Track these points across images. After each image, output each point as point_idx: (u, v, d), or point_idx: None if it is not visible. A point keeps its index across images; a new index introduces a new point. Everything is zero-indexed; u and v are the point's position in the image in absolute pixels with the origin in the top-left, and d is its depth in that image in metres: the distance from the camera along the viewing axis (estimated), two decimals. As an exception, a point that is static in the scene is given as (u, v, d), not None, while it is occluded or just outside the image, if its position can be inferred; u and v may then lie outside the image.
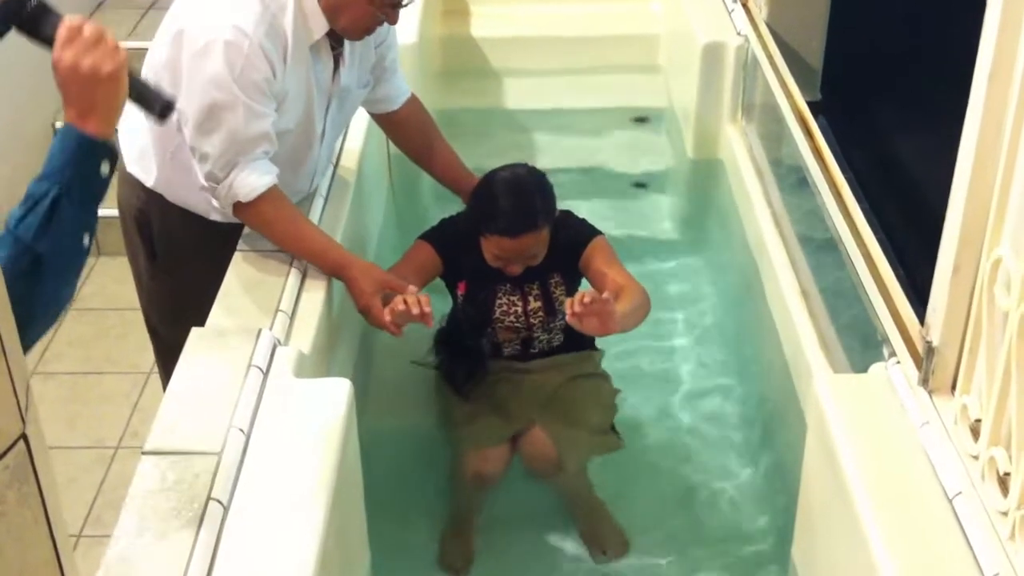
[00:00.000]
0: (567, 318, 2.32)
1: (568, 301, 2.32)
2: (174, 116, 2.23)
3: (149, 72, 2.31)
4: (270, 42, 2.17)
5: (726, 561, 2.63)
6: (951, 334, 1.85)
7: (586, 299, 2.24)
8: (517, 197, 2.45)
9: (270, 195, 2.26)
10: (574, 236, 2.56)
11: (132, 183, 2.47)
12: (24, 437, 0.90)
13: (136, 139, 2.44)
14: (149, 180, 2.43)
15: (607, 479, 2.73)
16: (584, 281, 2.68)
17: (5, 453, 0.87)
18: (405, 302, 2.24)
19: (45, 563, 0.94)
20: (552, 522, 2.72)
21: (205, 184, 2.27)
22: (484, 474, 2.58)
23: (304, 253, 2.39)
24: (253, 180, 2.22)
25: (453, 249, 2.58)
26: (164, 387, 2.33)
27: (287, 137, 2.35)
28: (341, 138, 2.88)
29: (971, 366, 1.80)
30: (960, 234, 1.77)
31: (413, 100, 2.76)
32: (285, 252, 2.41)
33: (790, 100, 2.91)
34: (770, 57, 3.12)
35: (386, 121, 2.78)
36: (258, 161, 2.23)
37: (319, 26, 2.25)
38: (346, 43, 2.37)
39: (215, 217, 2.42)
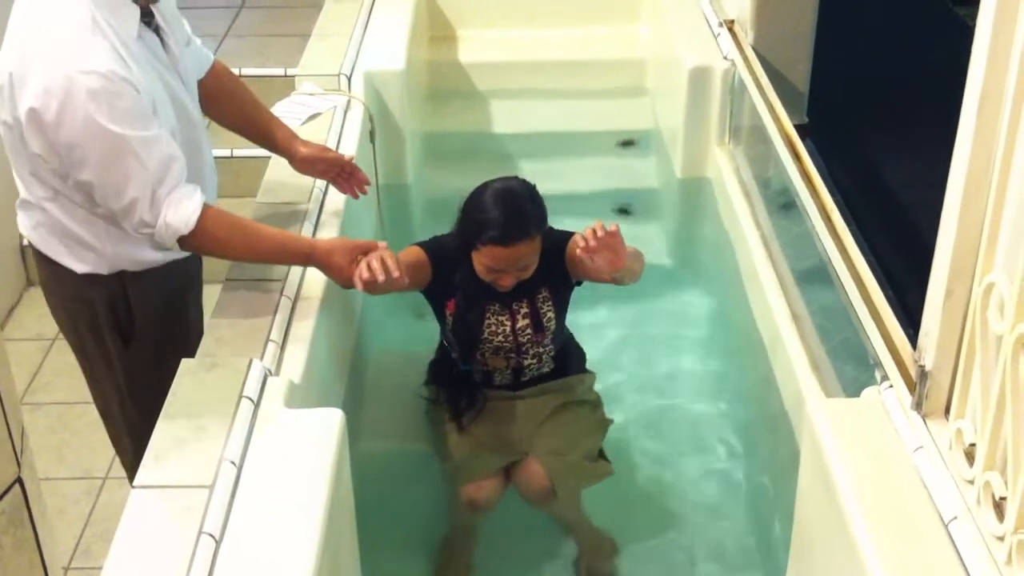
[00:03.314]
0: (579, 252, 2.34)
1: (577, 236, 2.34)
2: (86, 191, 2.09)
3: (44, 159, 2.10)
4: (115, 63, 2.03)
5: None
6: (944, 358, 1.85)
7: (599, 232, 2.27)
8: (509, 206, 2.44)
9: (208, 214, 2.17)
10: (555, 241, 2.56)
11: (92, 283, 2.30)
12: (20, 481, 0.89)
13: (69, 246, 2.26)
14: (103, 266, 2.28)
15: (598, 498, 2.72)
16: (572, 297, 2.68)
17: (1, 497, 0.86)
18: (371, 268, 2.23)
19: (41, 609, 0.93)
20: (546, 544, 2.72)
21: (140, 234, 2.18)
22: (478, 502, 2.57)
23: (266, 256, 2.33)
24: (184, 207, 2.14)
25: (444, 265, 2.57)
26: (131, 479, 2.12)
27: (180, 135, 2.23)
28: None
29: (965, 390, 1.80)
30: (952, 259, 1.77)
31: (219, 67, 2.56)
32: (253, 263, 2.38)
33: (777, 123, 2.92)
34: (756, 80, 3.13)
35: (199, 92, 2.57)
36: (177, 188, 2.13)
37: (132, 15, 2.12)
38: (153, 10, 2.21)
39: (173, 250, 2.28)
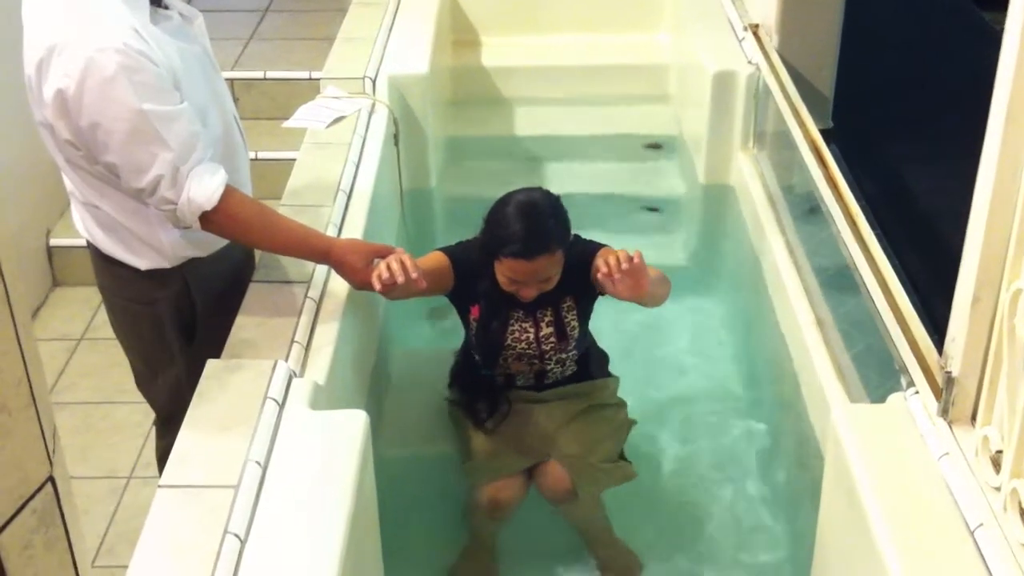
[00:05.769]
0: (600, 276, 2.34)
1: (601, 262, 2.33)
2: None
3: (74, 145, 2.10)
4: (130, 37, 2.03)
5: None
6: (971, 365, 1.84)
7: (624, 265, 2.27)
8: (531, 220, 2.43)
9: (231, 194, 2.16)
10: (581, 252, 2.56)
11: (157, 282, 2.31)
12: (51, 480, 0.89)
13: (128, 243, 2.27)
14: (165, 259, 2.29)
15: (621, 507, 2.72)
16: (596, 305, 2.68)
17: (33, 496, 0.87)
18: (390, 269, 2.24)
19: (72, 608, 0.94)
20: (566, 553, 2.71)
21: (162, 211, 2.14)
22: (500, 504, 2.57)
23: (284, 246, 2.33)
24: (207, 182, 2.11)
25: (467, 272, 2.57)
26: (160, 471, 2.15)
27: (210, 106, 2.23)
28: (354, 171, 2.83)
29: (992, 397, 1.79)
30: (979, 266, 1.77)
31: None
32: (270, 252, 2.40)
33: (802, 128, 2.91)
34: (782, 85, 3.12)
35: None
36: (201, 164, 2.12)
37: (142, 3, 2.11)
38: None
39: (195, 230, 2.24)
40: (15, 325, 0.83)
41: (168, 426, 2.56)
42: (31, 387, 0.85)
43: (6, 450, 0.83)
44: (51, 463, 0.89)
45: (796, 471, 2.73)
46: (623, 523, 2.71)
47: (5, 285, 0.82)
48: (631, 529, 2.72)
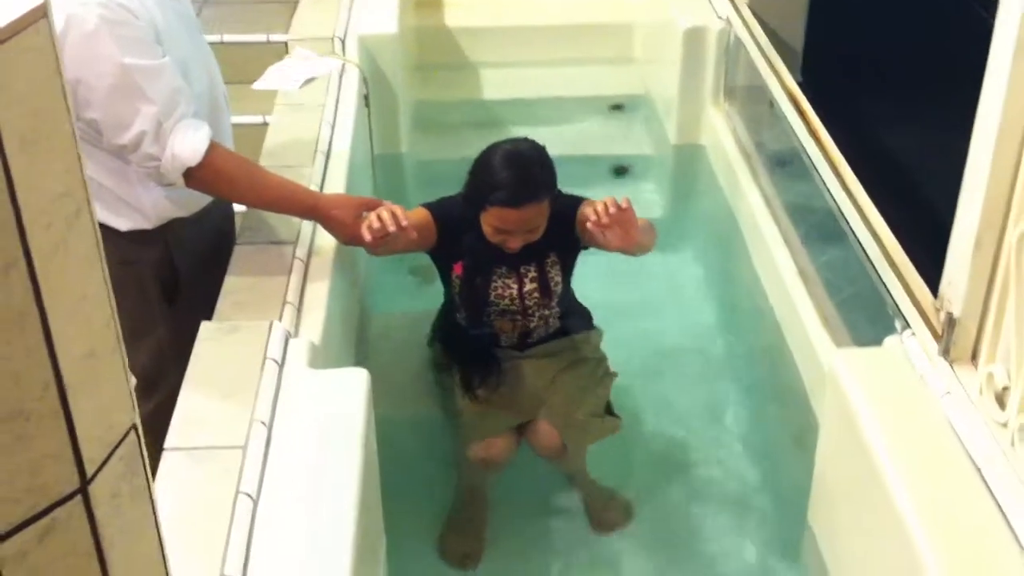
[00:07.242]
0: (590, 225, 2.33)
1: (590, 210, 2.33)
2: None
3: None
4: None
5: (729, 525, 2.65)
6: (972, 305, 1.87)
7: (611, 209, 2.26)
8: (518, 168, 2.42)
9: (216, 149, 2.12)
10: (564, 207, 2.55)
11: (139, 244, 2.27)
12: (135, 427, 0.88)
13: (108, 203, 2.22)
14: (147, 220, 2.26)
15: (606, 457, 2.73)
16: (579, 261, 2.68)
17: (119, 444, 0.85)
18: (380, 219, 2.23)
19: (153, 561, 0.93)
20: (558, 501, 2.73)
21: (146, 168, 2.11)
22: (492, 459, 2.57)
23: (271, 201, 2.30)
24: (191, 137, 2.08)
25: (451, 227, 2.55)
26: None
27: (192, 61, 2.20)
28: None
29: (996, 335, 1.83)
30: (982, 211, 1.79)
31: None
32: (253, 208, 2.37)
33: (780, 81, 2.93)
34: (755, 40, 3.13)
35: None
36: (184, 120, 2.09)
37: None
38: None
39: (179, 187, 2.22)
40: (103, 268, 0.82)
41: (149, 391, 2.52)
42: (116, 330, 0.84)
43: (96, 396, 0.82)
44: (135, 410, 0.88)
45: (780, 416, 2.76)
46: (609, 474, 2.73)
47: (95, 228, 0.80)
48: (617, 480, 2.74)
